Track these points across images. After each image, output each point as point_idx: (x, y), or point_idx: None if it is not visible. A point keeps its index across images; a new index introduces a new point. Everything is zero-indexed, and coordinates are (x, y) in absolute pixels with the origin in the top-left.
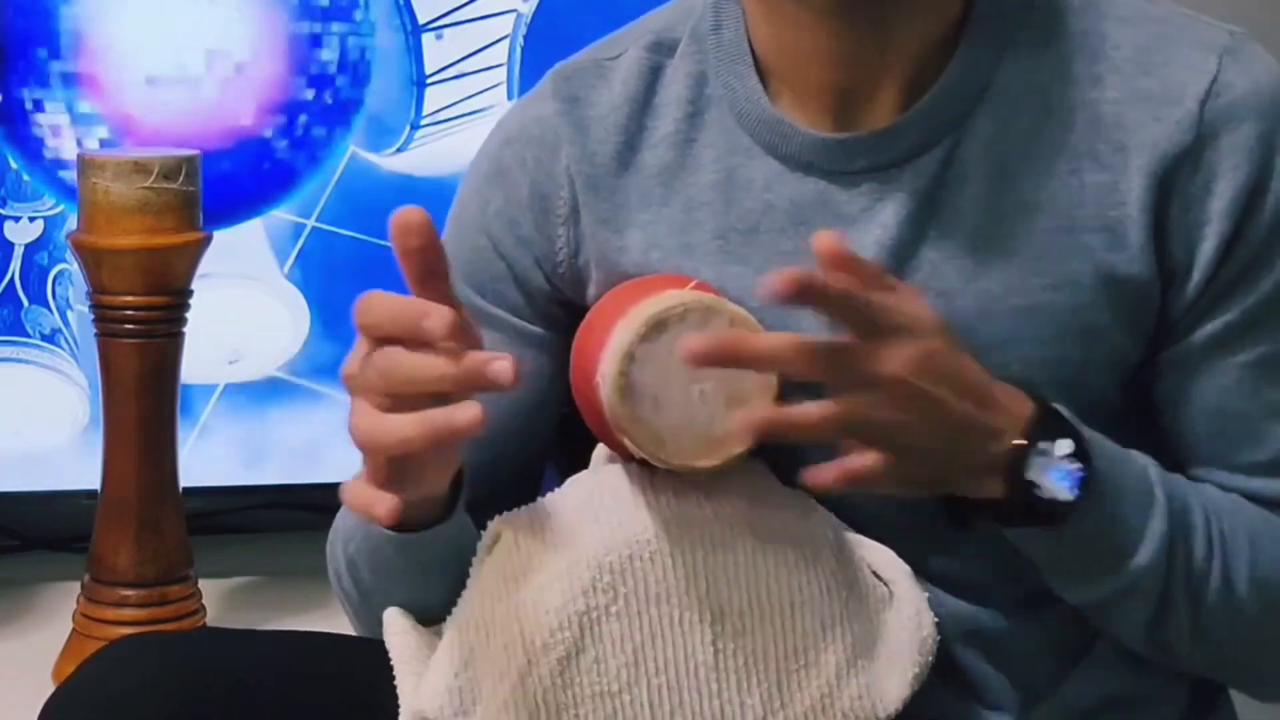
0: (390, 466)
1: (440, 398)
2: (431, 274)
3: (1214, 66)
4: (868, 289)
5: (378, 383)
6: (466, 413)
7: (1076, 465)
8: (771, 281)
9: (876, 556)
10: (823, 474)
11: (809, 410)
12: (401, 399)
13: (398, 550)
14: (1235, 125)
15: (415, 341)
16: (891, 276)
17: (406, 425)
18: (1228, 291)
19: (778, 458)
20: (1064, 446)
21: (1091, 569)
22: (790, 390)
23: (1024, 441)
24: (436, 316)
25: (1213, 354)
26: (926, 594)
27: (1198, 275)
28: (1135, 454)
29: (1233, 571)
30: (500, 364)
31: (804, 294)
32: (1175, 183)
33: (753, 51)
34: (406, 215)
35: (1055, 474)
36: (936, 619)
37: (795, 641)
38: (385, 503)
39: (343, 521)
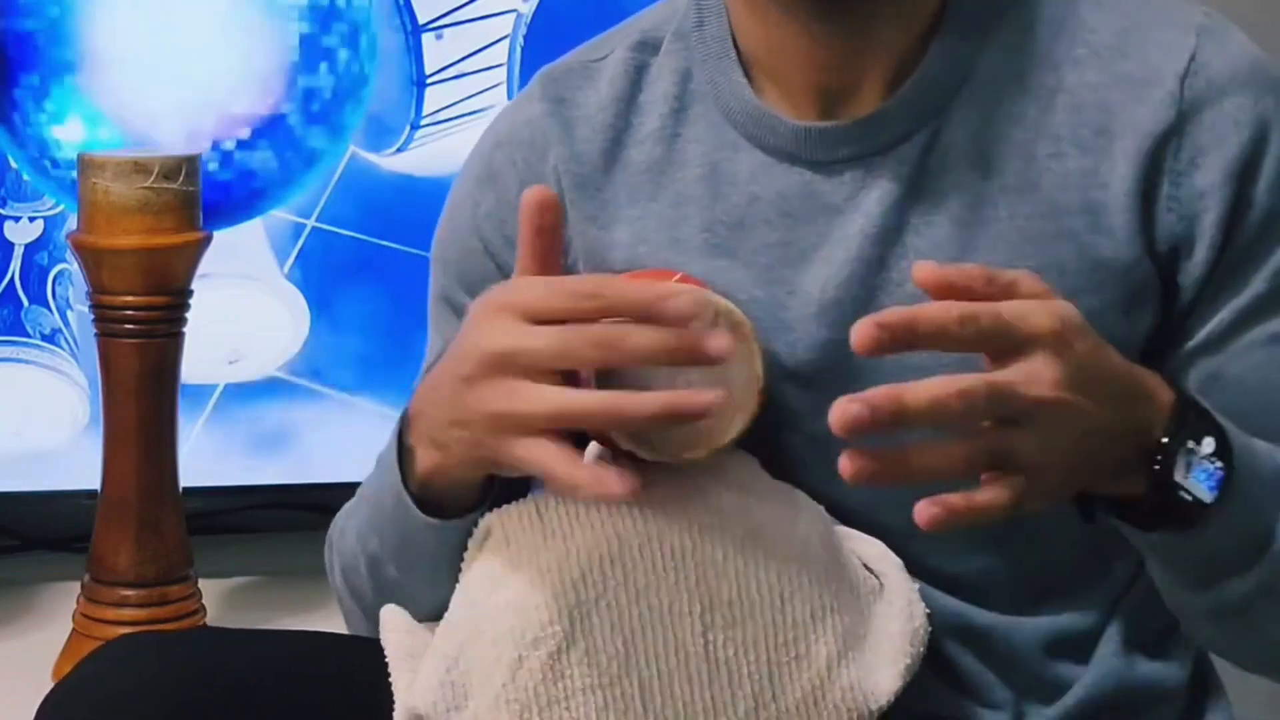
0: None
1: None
2: (552, 252)
3: (1191, 44)
4: (983, 298)
5: (590, 354)
6: (708, 396)
7: (1218, 464)
8: (860, 333)
9: (867, 549)
10: (934, 513)
11: (950, 454)
12: (555, 375)
13: (435, 539)
14: (1217, 99)
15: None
16: (1003, 272)
17: (652, 403)
18: (1243, 266)
19: (765, 449)
20: (1208, 444)
21: (1225, 567)
22: (775, 380)
23: (1170, 438)
24: (684, 299)
25: (1244, 331)
26: (918, 586)
27: (1202, 252)
28: (1257, 441)
29: None
30: (720, 340)
31: (897, 339)
32: (1162, 161)
33: (736, 47)
34: (541, 193)
35: (1199, 474)
36: (929, 613)
37: (786, 633)
38: (628, 479)
39: (358, 521)
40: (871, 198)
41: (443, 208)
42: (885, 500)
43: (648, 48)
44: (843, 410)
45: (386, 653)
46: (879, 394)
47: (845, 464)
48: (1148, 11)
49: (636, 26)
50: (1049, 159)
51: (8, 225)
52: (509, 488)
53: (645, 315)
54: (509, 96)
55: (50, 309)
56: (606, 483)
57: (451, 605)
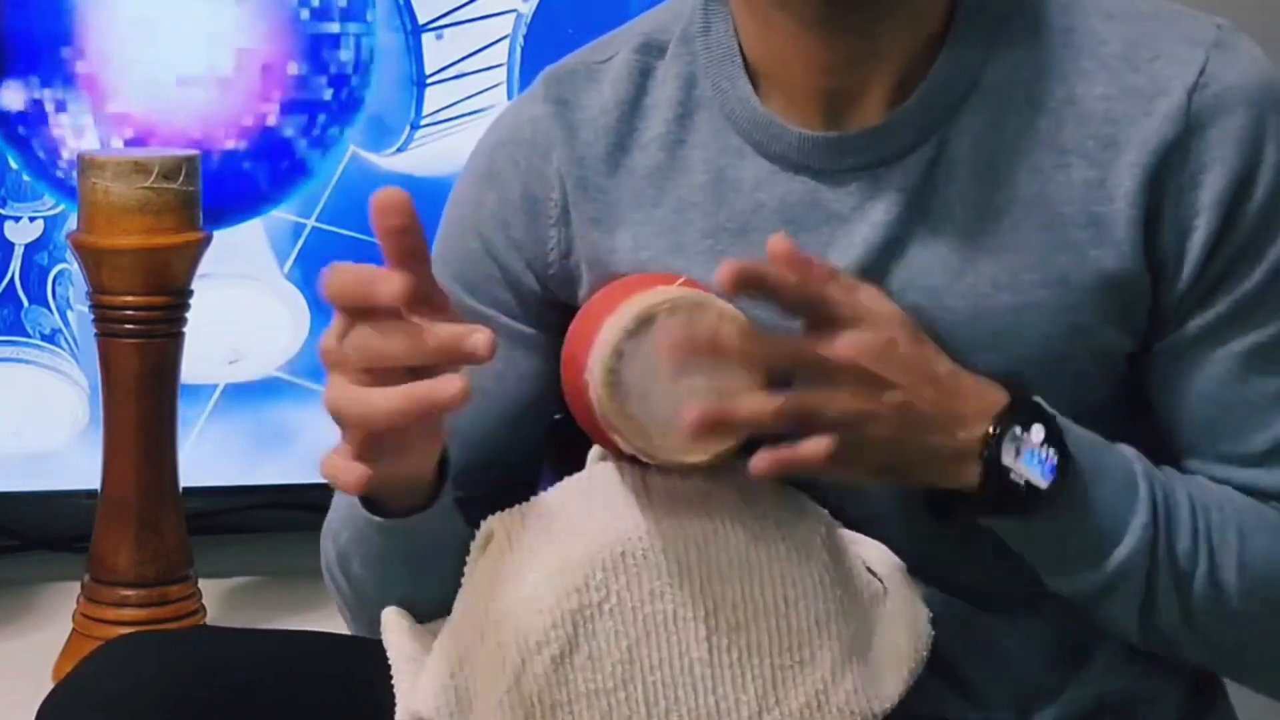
0: (370, 441)
1: (420, 371)
2: (410, 254)
3: (1201, 59)
4: (822, 284)
5: (354, 358)
6: (451, 385)
7: (1051, 451)
8: (721, 272)
9: (870, 553)
10: (762, 461)
11: (759, 404)
12: (379, 374)
13: (385, 538)
14: (1223, 116)
15: (379, 311)
16: (848, 275)
17: (389, 399)
18: (1218, 282)
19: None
20: (1038, 432)
21: (1073, 559)
22: (780, 385)
23: (995, 429)
24: (390, 281)
25: (1205, 345)
26: (921, 591)
27: (1188, 267)
28: (1121, 446)
29: (1220, 564)
30: (478, 336)
31: (749, 283)
32: (1166, 176)
33: (742, 53)
34: (388, 195)
35: (1029, 459)
36: (932, 616)
37: (789, 638)
38: (354, 472)
39: (334, 515)
40: (877, 208)
41: (442, 208)
42: (888, 505)
43: (653, 50)
44: (662, 339)
45: (389, 655)
46: (702, 333)
47: (687, 412)
48: (1159, 24)
49: (640, 29)
50: (1055, 170)
51: (8, 225)
52: (510, 493)
53: (367, 303)
54: (509, 96)
55: (50, 309)
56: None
57: (454, 609)
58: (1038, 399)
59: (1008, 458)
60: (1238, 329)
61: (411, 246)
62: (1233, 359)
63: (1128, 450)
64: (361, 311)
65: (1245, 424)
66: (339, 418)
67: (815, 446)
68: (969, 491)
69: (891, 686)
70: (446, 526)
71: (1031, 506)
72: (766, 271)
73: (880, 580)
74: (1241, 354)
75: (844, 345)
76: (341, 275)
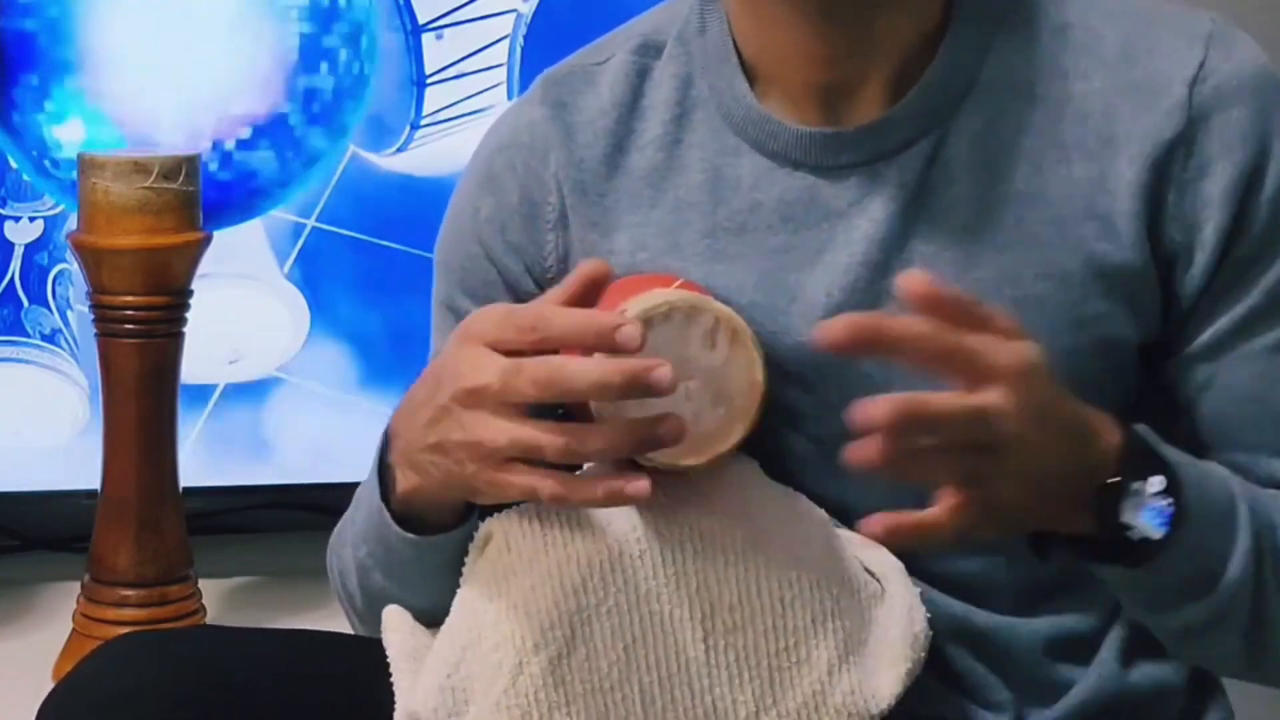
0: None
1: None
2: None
3: (1200, 52)
4: (961, 324)
5: (529, 391)
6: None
7: (1168, 501)
8: (826, 331)
9: (868, 553)
10: (877, 527)
11: (934, 514)
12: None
13: (416, 554)
14: (1225, 108)
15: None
16: (984, 305)
17: (606, 433)
18: (1244, 275)
19: (767, 452)
20: (1156, 484)
21: (1179, 596)
22: (777, 391)
23: (1117, 479)
24: (631, 328)
25: (1239, 340)
26: (919, 591)
27: (1203, 260)
28: (1213, 466)
29: None
30: (661, 372)
31: (863, 342)
32: (1169, 169)
33: (738, 52)
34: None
35: (1148, 513)
36: (930, 616)
37: (786, 638)
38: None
39: (353, 527)
40: (876, 204)
41: (442, 208)
42: (887, 504)
43: (650, 51)
44: (865, 409)
45: (388, 654)
46: (901, 400)
47: (855, 452)
48: (1155, 19)
49: (637, 30)
50: (1055, 166)
51: (8, 225)
52: None
53: (587, 345)
54: (509, 97)
55: (50, 309)
56: (621, 488)
57: (452, 610)
58: (1143, 430)
59: (1128, 514)
60: (1270, 320)
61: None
62: (1269, 351)
63: (1218, 469)
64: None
65: None
66: (566, 453)
67: (947, 515)
68: (1076, 537)
69: (889, 686)
70: (468, 541)
71: (1145, 558)
72: (883, 328)
73: (878, 580)
74: (1277, 344)
75: (1011, 417)
76: (566, 318)
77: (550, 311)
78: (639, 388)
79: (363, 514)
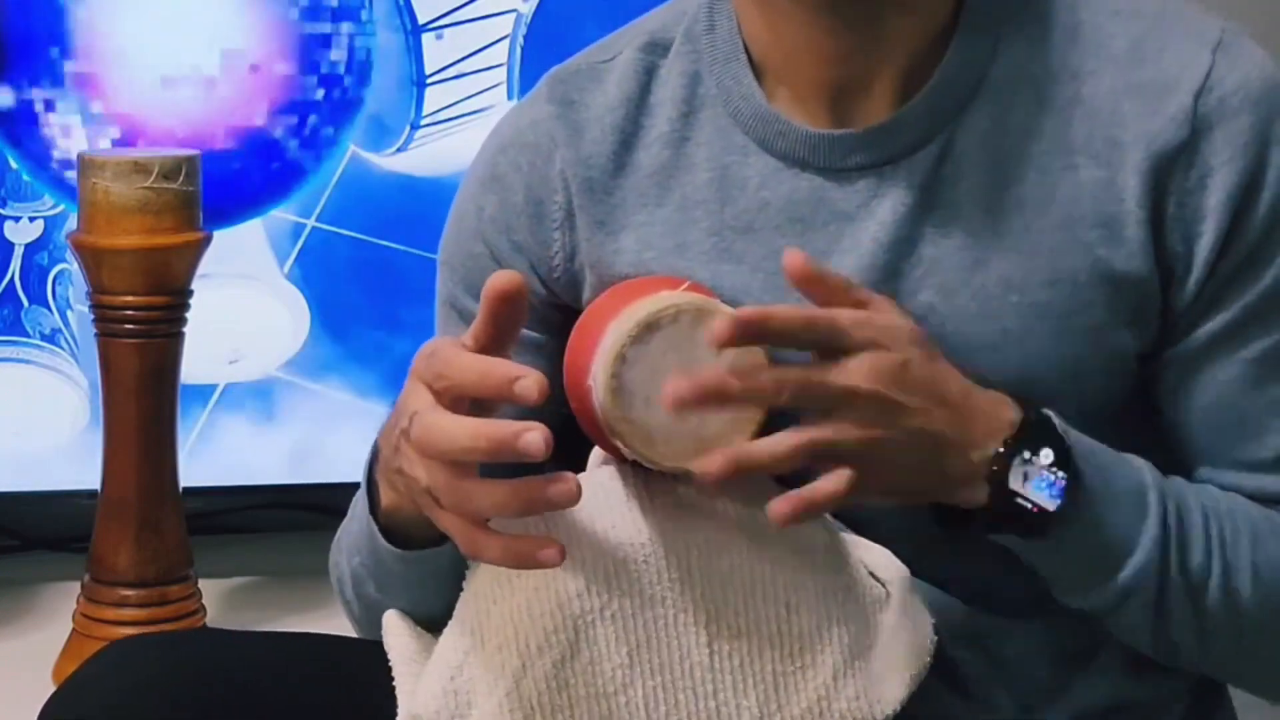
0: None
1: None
2: (505, 337)
3: (1208, 61)
4: (837, 303)
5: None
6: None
7: (1060, 474)
8: (716, 329)
9: (873, 557)
10: (781, 508)
11: (774, 445)
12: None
13: (405, 566)
14: (1229, 119)
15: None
16: (862, 289)
17: (499, 496)
18: (1227, 287)
19: None
20: (1046, 455)
21: (1083, 575)
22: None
23: (1004, 450)
24: (531, 380)
25: (1215, 350)
26: (925, 595)
27: (1197, 271)
28: (1131, 459)
29: (1234, 573)
30: (531, 435)
31: (751, 335)
32: (1171, 178)
33: (747, 50)
34: (508, 281)
35: (1038, 483)
36: (935, 621)
37: (791, 643)
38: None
39: (347, 536)
40: (884, 206)
41: (443, 208)
42: (890, 508)
43: (657, 49)
44: (673, 387)
45: (390, 657)
46: (704, 375)
47: (699, 464)
48: (1166, 22)
49: (645, 27)
50: (1064, 170)
51: (8, 225)
52: None
53: (487, 398)
54: (509, 96)
55: (50, 309)
56: (530, 552)
57: (455, 613)
58: (1049, 414)
59: (1016, 482)
60: (1250, 334)
61: (506, 333)
62: (1245, 365)
63: (1138, 461)
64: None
65: (1257, 430)
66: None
67: (834, 483)
68: (978, 509)
69: (894, 691)
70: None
71: (1039, 529)
72: (766, 319)
73: (883, 585)
74: (1253, 359)
75: (857, 374)
76: (470, 366)
77: (453, 361)
78: (505, 452)
79: (355, 525)
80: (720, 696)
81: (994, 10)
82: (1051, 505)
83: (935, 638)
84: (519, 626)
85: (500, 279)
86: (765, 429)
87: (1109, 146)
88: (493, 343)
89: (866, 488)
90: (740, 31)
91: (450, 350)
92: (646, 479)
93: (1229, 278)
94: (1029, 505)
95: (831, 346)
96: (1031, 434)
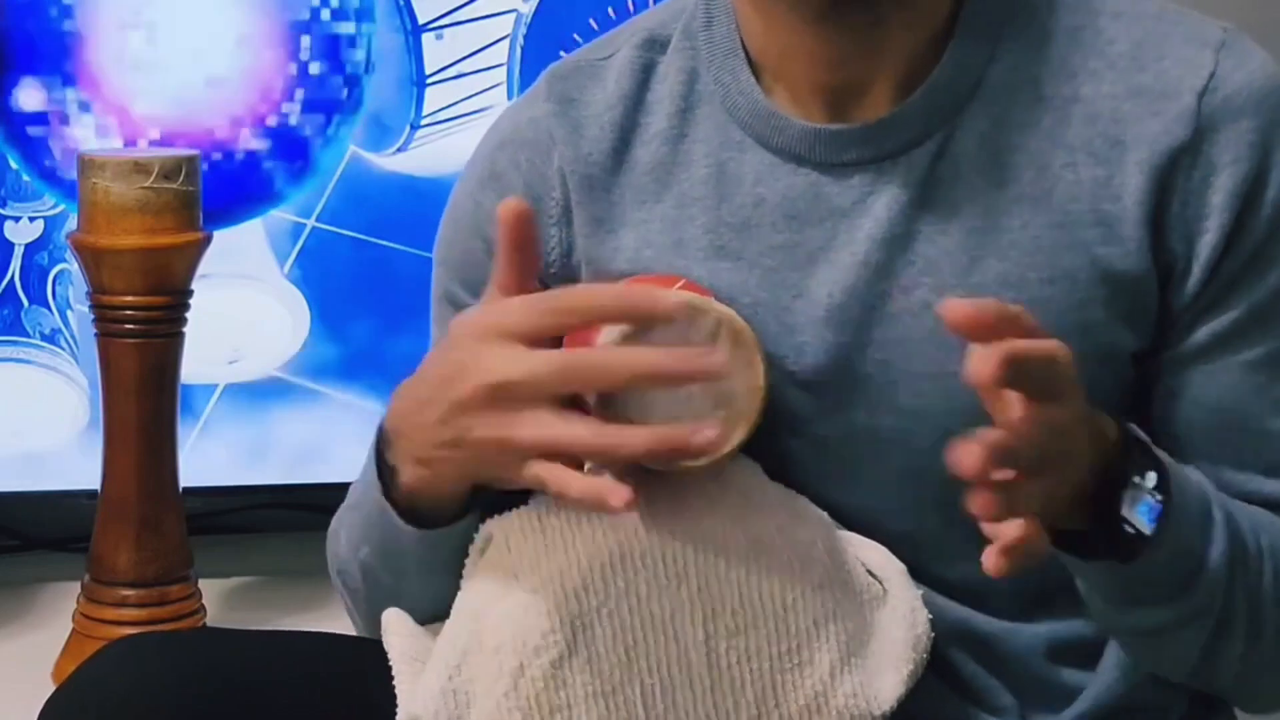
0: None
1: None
2: (532, 267)
3: (1211, 61)
4: (1003, 334)
5: (589, 382)
6: (709, 431)
7: (1159, 497)
8: (980, 364)
9: (870, 555)
10: (998, 563)
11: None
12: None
13: (424, 548)
14: (1233, 120)
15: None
16: (1016, 308)
17: (647, 435)
18: (1230, 287)
19: (768, 453)
20: (1151, 479)
21: (1154, 595)
22: (778, 392)
23: (1118, 474)
24: (670, 301)
25: (1217, 351)
26: (921, 593)
27: (1198, 271)
28: (1186, 468)
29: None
30: (717, 358)
31: (1014, 377)
32: (1174, 178)
33: (744, 47)
34: (518, 207)
35: (1142, 508)
36: (932, 619)
37: (788, 640)
38: (624, 492)
39: (349, 530)
40: (880, 202)
41: (442, 207)
42: (887, 506)
43: (655, 46)
44: (964, 453)
45: (390, 656)
46: (994, 438)
47: (975, 504)
48: (1167, 24)
49: (643, 25)
50: (1062, 169)
51: (8, 225)
52: (506, 494)
53: (632, 319)
54: (509, 96)
55: (50, 309)
56: (605, 495)
57: (453, 613)
58: (1135, 429)
59: (1126, 508)
60: (1252, 335)
61: (532, 260)
62: (1247, 365)
63: (1192, 472)
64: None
65: (1262, 431)
66: (595, 451)
67: (1024, 532)
68: (1065, 532)
69: (890, 688)
70: (472, 531)
71: (1134, 553)
72: (1028, 355)
73: (880, 582)
74: (1256, 360)
75: (1078, 433)
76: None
77: (582, 292)
78: (696, 373)
79: (361, 515)
80: (717, 694)
81: (993, 14)
82: (1149, 529)
83: (932, 634)
84: (517, 626)
85: (509, 206)
86: (758, 430)
87: (1109, 145)
88: (519, 274)
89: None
90: (738, 28)
91: (565, 290)
92: (643, 477)
93: (1232, 278)
94: (1131, 530)
95: (1042, 389)
96: (1135, 455)
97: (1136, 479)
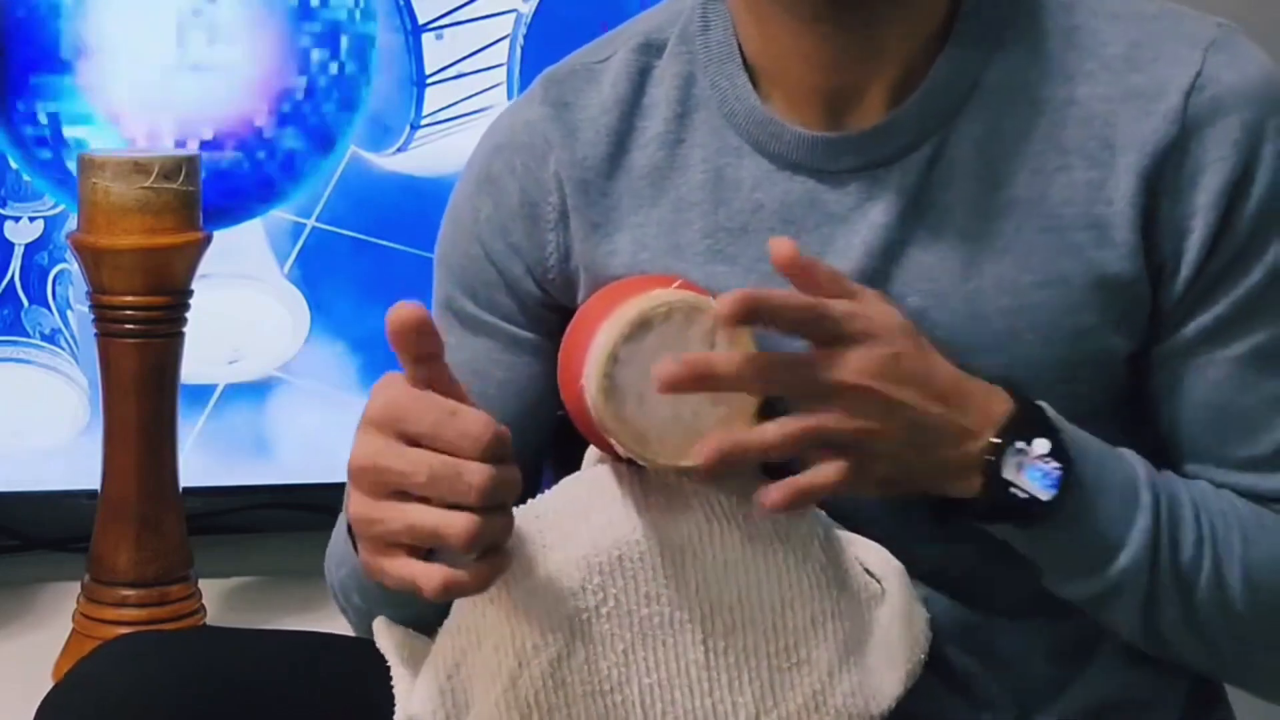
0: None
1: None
2: (429, 356)
3: (1199, 60)
4: (826, 295)
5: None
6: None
7: (1054, 464)
8: (720, 305)
9: (868, 553)
10: (774, 495)
11: (767, 432)
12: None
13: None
14: (1220, 118)
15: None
16: (850, 281)
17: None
18: (1217, 284)
19: None
20: (1041, 445)
21: (1075, 566)
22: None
23: (999, 440)
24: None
25: (1204, 348)
26: (920, 592)
27: (1186, 269)
28: (1125, 452)
29: (1225, 569)
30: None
31: (748, 314)
32: (1163, 177)
33: (741, 52)
34: (411, 316)
35: (1032, 473)
36: (930, 617)
37: (786, 639)
38: (434, 578)
39: (334, 545)
40: (876, 209)
41: (442, 208)
42: (885, 506)
43: (651, 50)
44: (663, 368)
45: (387, 658)
46: (689, 361)
47: (699, 449)
48: (1161, 24)
49: (639, 28)
50: (1055, 172)
51: (8, 225)
52: None
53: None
54: (509, 96)
55: (50, 309)
56: (458, 583)
57: (451, 612)
58: (1043, 405)
59: (1009, 471)
60: (1238, 332)
61: (434, 371)
62: (1234, 362)
63: (1130, 455)
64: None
65: (1247, 427)
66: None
67: (826, 473)
68: (971, 500)
69: (890, 687)
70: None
71: (1032, 518)
72: (764, 299)
73: (878, 581)
74: (1242, 357)
75: (851, 368)
76: (421, 407)
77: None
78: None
79: (339, 536)
80: (716, 693)
81: (988, 17)
82: (1046, 495)
83: (930, 633)
84: (515, 626)
85: (398, 313)
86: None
87: (1101, 148)
88: (427, 374)
89: (860, 479)
90: (735, 33)
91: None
92: (641, 477)
93: (1219, 274)
94: (1023, 495)
95: (822, 335)
96: (1025, 424)
97: (1021, 444)
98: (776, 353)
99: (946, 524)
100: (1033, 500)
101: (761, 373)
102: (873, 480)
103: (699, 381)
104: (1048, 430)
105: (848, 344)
